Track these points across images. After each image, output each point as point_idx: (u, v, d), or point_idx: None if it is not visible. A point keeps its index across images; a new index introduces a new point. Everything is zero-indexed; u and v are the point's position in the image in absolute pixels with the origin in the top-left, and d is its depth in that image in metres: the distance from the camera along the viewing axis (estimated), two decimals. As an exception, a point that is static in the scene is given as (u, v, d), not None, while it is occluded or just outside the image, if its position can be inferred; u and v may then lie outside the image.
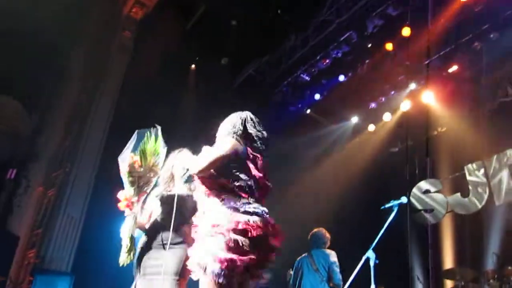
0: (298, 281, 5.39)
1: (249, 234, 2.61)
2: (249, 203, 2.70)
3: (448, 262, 7.24)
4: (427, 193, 7.79)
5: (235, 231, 2.59)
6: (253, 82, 9.23)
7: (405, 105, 8.20)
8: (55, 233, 7.71)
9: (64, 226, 7.82)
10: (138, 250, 3.27)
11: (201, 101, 9.10)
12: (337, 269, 5.11)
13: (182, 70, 9.67)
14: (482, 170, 6.96)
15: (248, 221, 2.63)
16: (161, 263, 3.06)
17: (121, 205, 3.23)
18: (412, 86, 8.12)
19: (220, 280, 2.59)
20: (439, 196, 7.68)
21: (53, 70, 8.88)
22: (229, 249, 2.57)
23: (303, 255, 5.55)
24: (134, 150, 3.27)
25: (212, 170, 2.74)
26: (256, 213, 2.68)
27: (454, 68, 7.62)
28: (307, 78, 8.85)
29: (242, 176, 2.76)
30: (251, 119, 2.97)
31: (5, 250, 6.55)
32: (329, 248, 5.41)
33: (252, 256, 2.60)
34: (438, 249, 7.41)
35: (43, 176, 8.63)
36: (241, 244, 2.58)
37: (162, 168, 3.37)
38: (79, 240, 7.87)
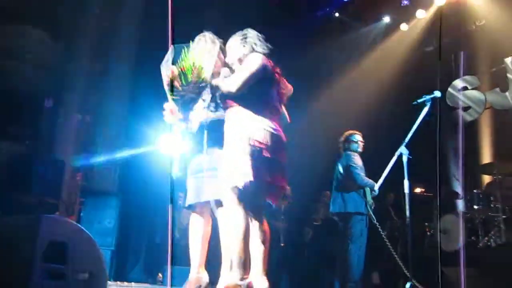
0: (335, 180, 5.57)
1: (263, 152, 2.67)
2: (268, 120, 2.76)
3: (486, 158, 7.20)
4: (463, 90, 7.59)
5: (250, 146, 2.66)
6: (275, -13, 8.74)
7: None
8: (97, 156, 8.05)
9: (105, 149, 8.14)
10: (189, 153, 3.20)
11: (224, 13, 8.79)
12: (357, 171, 5.21)
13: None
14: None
15: (263, 138, 2.69)
16: (208, 160, 2.96)
17: (167, 118, 3.08)
18: (448, -23, 7.59)
19: (236, 192, 2.68)
20: (475, 94, 7.47)
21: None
22: (241, 164, 2.64)
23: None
24: (173, 63, 3.01)
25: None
26: (273, 131, 2.73)
27: (495, -48, 7.03)
28: (333, -22, 8.37)
29: (263, 92, 2.82)
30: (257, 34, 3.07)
31: (55, 174, 6.83)
32: (364, 148, 5.48)
33: (264, 175, 2.67)
34: (475, 145, 7.34)
35: (79, 103, 8.83)
36: (254, 161, 2.64)
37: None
38: (121, 161, 8.16)
